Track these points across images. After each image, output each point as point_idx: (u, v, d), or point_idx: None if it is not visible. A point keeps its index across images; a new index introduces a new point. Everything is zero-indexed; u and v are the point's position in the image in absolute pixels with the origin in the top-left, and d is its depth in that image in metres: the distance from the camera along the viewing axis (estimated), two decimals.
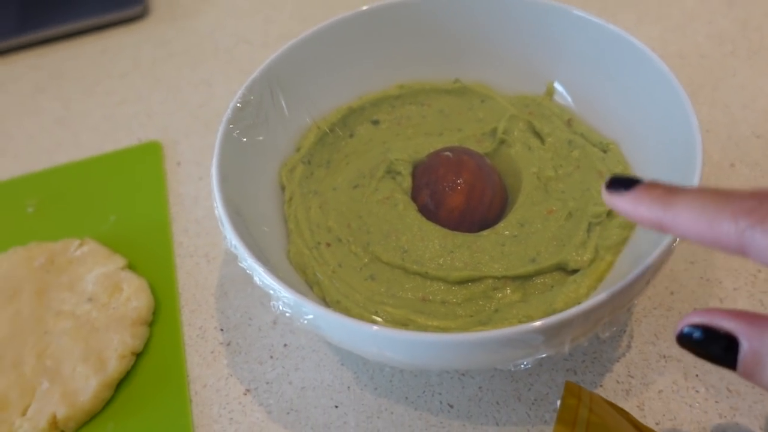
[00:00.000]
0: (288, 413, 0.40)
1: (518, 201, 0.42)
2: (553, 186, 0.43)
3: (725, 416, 0.37)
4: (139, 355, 0.43)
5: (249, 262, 0.35)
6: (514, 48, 0.47)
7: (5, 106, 0.65)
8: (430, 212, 0.42)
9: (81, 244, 0.49)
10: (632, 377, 0.39)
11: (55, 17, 0.70)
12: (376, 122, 0.48)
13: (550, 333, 0.31)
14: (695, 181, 0.34)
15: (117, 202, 0.53)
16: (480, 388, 0.40)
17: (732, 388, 0.38)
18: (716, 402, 0.37)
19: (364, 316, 0.37)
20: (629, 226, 0.39)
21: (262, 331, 0.44)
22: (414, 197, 0.43)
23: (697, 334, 0.27)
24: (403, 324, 0.37)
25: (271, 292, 0.35)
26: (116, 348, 0.43)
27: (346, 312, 0.37)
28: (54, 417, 0.40)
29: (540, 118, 0.46)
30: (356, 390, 0.40)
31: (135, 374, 0.43)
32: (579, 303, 0.32)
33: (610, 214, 0.40)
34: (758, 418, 0.37)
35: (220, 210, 0.37)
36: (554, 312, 0.35)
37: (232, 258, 0.48)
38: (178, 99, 0.62)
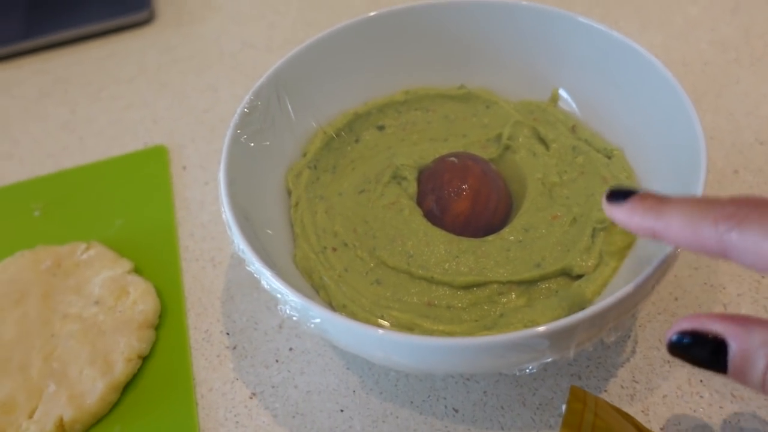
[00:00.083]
0: (293, 417, 0.40)
1: (523, 206, 0.42)
2: (557, 192, 0.43)
3: (729, 422, 0.37)
4: (145, 359, 0.44)
5: (257, 266, 0.35)
6: (518, 54, 0.48)
7: (11, 111, 0.65)
8: (435, 217, 0.42)
9: (87, 248, 0.49)
10: (637, 382, 0.39)
11: (60, 22, 0.71)
12: (381, 128, 0.49)
13: (556, 337, 0.31)
14: (699, 187, 0.35)
15: (123, 206, 0.53)
16: (485, 392, 0.40)
17: (736, 393, 0.38)
18: (720, 407, 0.37)
19: (370, 321, 0.38)
20: None
21: (268, 335, 0.44)
22: (419, 202, 0.43)
23: (686, 341, 0.28)
24: (409, 328, 0.37)
25: (279, 296, 0.35)
26: (123, 351, 0.43)
27: (353, 316, 0.38)
28: (61, 419, 0.40)
29: (544, 124, 0.46)
30: (361, 394, 0.41)
31: (141, 377, 0.43)
32: (584, 308, 0.32)
33: None
34: (762, 423, 0.37)
35: (227, 214, 0.38)
36: (559, 317, 0.36)
37: (237, 262, 0.48)
38: (183, 104, 0.62)
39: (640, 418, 0.37)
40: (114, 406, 0.42)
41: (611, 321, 0.33)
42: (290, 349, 0.43)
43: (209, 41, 0.69)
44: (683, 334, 0.28)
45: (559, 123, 0.46)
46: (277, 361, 0.43)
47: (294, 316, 0.35)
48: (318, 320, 0.34)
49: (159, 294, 0.46)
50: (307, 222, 0.43)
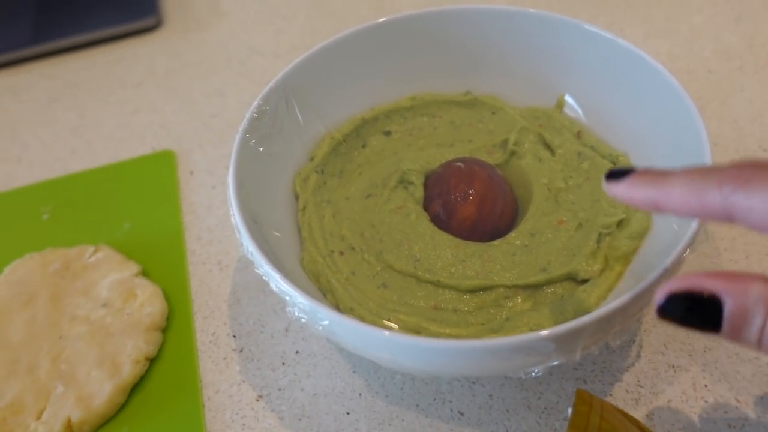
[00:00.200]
0: (300, 419, 0.40)
1: (529, 211, 0.43)
2: (563, 197, 0.43)
3: (734, 426, 0.37)
4: (152, 361, 0.44)
5: (266, 269, 0.36)
6: (524, 61, 0.48)
7: (21, 115, 0.65)
8: (442, 222, 0.42)
9: (96, 251, 0.49)
10: (642, 387, 0.39)
11: (69, 28, 0.71)
12: (388, 133, 0.49)
13: (562, 341, 0.31)
14: None
15: (131, 209, 0.54)
16: (490, 396, 0.40)
17: (740, 398, 0.38)
18: (725, 412, 0.38)
19: (377, 324, 0.38)
20: (639, 236, 0.39)
21: (274, 338, 0.44)
22: (426, 207, 0.43)
23: (679, 302, 0.26)
24: (416, 331, 0.37)
25: (287, 298, 0.35)
26: (130, 353, 0.43)
27: (360, 319, 0.38)
28: (69, 421, 0.41)
29: (550, 130, 0.47)
30: (367, 397, 0.41)
31: (148, 379, 0.43)
32: (589, 312, 0.32)
33: (619, 224, 0.41)
34: (767, 428, 0.37)
35: (236, 217, 0.38)
36: (565, 321, 0.36)
37: (244, 266, 0.49)
38: (191, 109, 0.63)
39: (645, 423, 0.38)
40: (121, 407, 0.42)
41: (617, 325, 0.33)
42: (296, 352, 0.43)
43: (217, 47, 0.69)
44: (673, 295, 0.26)
45: (565, 129, 0.46)
46: (283, 363, 0.43)
47: (302, 318, 0.35)
48: (326, 322, 0.34)
49: (166, 297, 0.47)
50: (315, 226, 0.43)
